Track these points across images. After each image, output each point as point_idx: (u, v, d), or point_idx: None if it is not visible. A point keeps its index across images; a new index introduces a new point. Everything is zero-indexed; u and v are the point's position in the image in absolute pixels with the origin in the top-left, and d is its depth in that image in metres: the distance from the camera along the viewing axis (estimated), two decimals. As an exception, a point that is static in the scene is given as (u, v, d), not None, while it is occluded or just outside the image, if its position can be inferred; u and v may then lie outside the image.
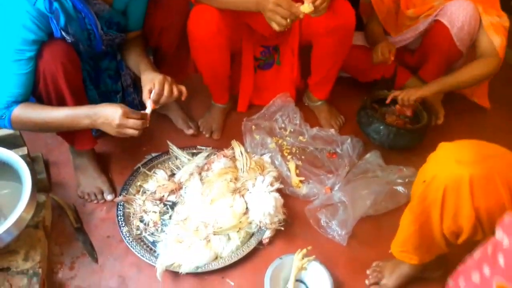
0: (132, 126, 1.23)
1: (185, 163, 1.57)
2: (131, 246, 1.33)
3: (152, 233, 1.38)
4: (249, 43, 1.72)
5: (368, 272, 1.33)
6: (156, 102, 1.28)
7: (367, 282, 1.31)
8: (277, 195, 1.40)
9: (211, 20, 1.47)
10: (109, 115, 1.22)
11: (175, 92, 1.31)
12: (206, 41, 1.51)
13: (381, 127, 1.68)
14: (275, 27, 1.34)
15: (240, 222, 1.36)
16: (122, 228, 1.37)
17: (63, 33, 1.22)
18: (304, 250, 1.23)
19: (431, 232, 1.08)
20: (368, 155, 1.67)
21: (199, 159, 1.56)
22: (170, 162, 1.61)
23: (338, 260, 1.37)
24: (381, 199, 1.49)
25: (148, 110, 1.27)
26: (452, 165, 0.96)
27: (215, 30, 1.48)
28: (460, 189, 0.94)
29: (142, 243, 1.35)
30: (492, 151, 1.00)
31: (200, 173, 1.49)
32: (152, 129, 1.74)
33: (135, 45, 1.49)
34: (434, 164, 1.01)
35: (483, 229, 0.98)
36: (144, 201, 1.45)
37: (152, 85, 1.28)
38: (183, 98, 1.35)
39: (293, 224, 1.46)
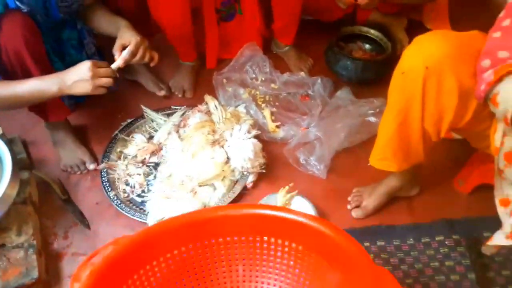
0: (105, 74, 1.23)
1: (162, 124, 1.59)
2: (121, 209, 1.37)
3: (139, 194, 1.42)
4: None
5: (349, 198, 1.40)
6: (126, 61, 1.29)
7: (349, 207, 1.39)
8: (255, 140, 1.44)
9: None
10: (79, 71, 1.22)
11: (147, 57, 1.32)
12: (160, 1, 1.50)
13: (348, 63, 1.72)
14: None
15: (223, 171, 1.40)
16: (109, 193, 1.41)
17: (17, 2, 1.20)
18: (287, 187, 1.28)
19: (410, 131, 1.12)
20: (339, 92, 1.71)
21: (175, 118, 1.58)
22: (146, 126, 1.62)
23: (319, 193, 1.44)
24: (355, 131, 1.54)
25: (115, 64, 1.28)
26: (431, 47, 1.00)
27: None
28: (441, 65, 0.99)
29: (131, 205, 1.40)
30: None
31: (177, 131, 1.52)
32: (125, 95, 1.76)
33: (101, 8, 1.47)
34: (411, 54, 1.05)
35: (466, 109, 1.03)
36: (126, 165, 1.48)
37: (128, 42, 1.28)
38: (152, 64, 1.36)
39: (274, 166, 1.52)
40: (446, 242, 1.31)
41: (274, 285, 0.93)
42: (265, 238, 0.88)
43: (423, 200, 1.42)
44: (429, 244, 1.31)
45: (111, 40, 1.37)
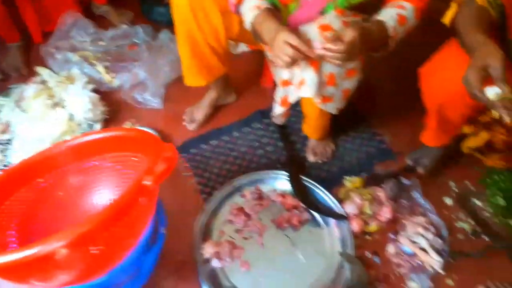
0: None
1: (3, 105, 1.73)
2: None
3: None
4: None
5: (184, 117, 1.73)
6: None
7: (184, 123, 1.72)
8: (90, 93, 1.68)
9: None
10: None
11: None
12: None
13: (161, 9, 2.00)
14: None
15: (70, 126, 1.62)
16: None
17: None
18: None
19: (201, 50, 1.41)
20: (160, 35, 1.97)
21: (14, 96, 1.73)
22: (-11, 111, 1.75)
23: (161, 120, 1.74)
24: (178, 64, 1.82)
25: None
26: None
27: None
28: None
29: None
30: None
31: (19, 106, 1.68)
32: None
33: None
34: None
35: (232, 23, 1.35)
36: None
37: None
38: None
39: (118, 110, 1.77)
40: (260, 126, 1.72)
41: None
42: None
43: (241, 102, 1.81)
44: (248, 132, 1.71)
45: None
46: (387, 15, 1.20)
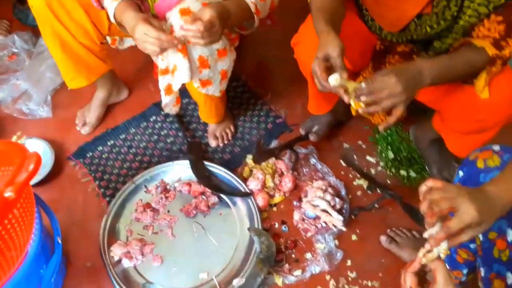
0: None
1: None
2: None
3: None
4: None
5: (76, 121, 1.67)
6: None
7: (77, 128, 1.67)
8: (-33, 112, 1.56)
9: None
10: None
11: None
12: None
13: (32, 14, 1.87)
14: None
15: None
16: None
17: None
18: None
19: (73, 49, 1.37)
20: (40, 39, 1.87)
21: None
22: None
23: (51, 128, 1.68)
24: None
25: None
26: None
27: None
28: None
29: None
30: None
31: None
32: None
33: None
34: None
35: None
36: None
37: None
38: None
39: (3, 126, 1.67)
40: (158, 119, 1.71)
41: None
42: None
43: (135, 98, 1.78)
44: (146, 126, 1.69)
45: None
46: None
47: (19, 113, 1.67)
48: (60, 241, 1.18)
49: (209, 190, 1.50)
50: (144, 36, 1.10)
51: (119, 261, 1.35)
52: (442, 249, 0.79)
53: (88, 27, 1.34)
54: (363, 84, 1.00)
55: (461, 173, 1.04)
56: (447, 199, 0.79)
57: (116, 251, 1.34)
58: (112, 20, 1.23)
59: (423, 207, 0.84)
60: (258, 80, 1.88)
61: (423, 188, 0.84)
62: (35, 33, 1.91)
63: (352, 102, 1.02)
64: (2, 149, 1.02)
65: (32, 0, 1.27)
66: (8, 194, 0.84)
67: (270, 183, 1.53)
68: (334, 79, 1.00)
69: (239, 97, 1.80)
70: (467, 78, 1.16)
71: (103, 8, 1.27)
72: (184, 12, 1.16)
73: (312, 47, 1.23)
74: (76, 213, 1.37)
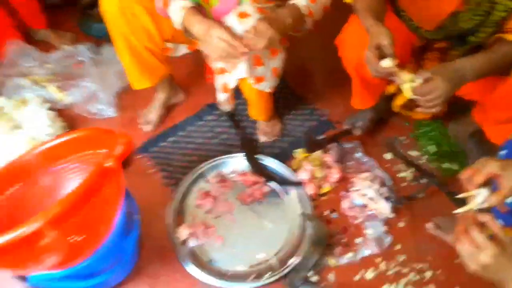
0: None
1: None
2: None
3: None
4: None
5: (138, 120, 1.84)
6: None
7: (139, 126, 1.83)
8: (47, 111, 1.75)
9: None
10: None
11: None
12: None
13: (100, 25, 2.06)
14: None
15: (34, 145, 1.68)
16: None
17: None
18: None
19: (139, 53, 1.52)
20: (102, 49, 2.08)
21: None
22: None
23: (118, 126, 1.84)
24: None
25: None
26: None
27: None
28: (126, 1, 1.40)
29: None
30: None
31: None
32: None
33: None
34: (105, 4, 1.43)
35: (162, 24, 1.48)
36: None
37: None
38: None
39: (76, 125, 1.86)
40: (212, 118, 1.87)
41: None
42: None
43: (190, 100, 1.95)
44: (202, 125, 1.85)
45: None
46: None
47: (88, 113, 1.86)
48: (138, 218, 1.32)
49: (263, 180, 1.63)
50: (216, 39, 1.25)
51: (185, 241, 1.48)
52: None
53: (153, 33, 1.50)
54: (419, 80, 1.14)
55: (503, 152, 1.14)
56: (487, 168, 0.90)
57: (183, 232, 1.48)
58: (177, 27, 1.39)
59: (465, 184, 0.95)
60: (300, 81, 2.02)
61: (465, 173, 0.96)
62: (98, 43, 2.12)
63: (404, 89, 1.15)
64: (96, 135, 1.18)
65: (105, 7, 1.43)
66: (108, 164, 0.99)
67: (318, 174, 1.64)
68: (386, 62, 1.14)
69: (284, 98, 1.94)
70: (504, 70, 1.27)
71: (166, 16, 1.43)
72: (242, 15, 1.31)
73: (356, 45, 1.37)
74: (144, 200, 1.50)
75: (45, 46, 2.13)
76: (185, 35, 1.42)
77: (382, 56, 1.16)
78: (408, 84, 1.16)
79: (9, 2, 1.97)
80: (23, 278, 1.19)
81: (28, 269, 1.10)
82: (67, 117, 1.85)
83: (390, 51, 1.15)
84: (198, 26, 1.32)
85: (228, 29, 1.28)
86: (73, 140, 1.21)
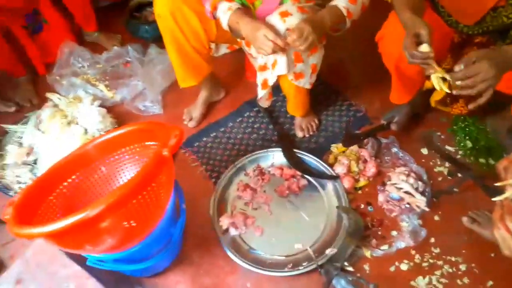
0: None
1: (24, 131, 1.94)
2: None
3: (32, 185, 1.79)
4: (9, 19, 2.00)
5: (184, 117, 1.95)
6: None
7: (184, 122, 1.94)
8: (98, 108, 1.89)
9: None
10: None
11: None
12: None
13: (146, 27, 2.24)
14: None
15: (86, 139, 1.83)
16: (9, 193, 1.75)
17: None
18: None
19: (186, 52, 1.62)
20: (149, 50, 2.19)
21: (31, 121, 1.93)
22: (13, 138, 1.94)
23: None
24: (168, 72, 2.05)
25: None
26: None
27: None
28: (177, 4, 1.50)
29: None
30: None
31: (38, 129, 1.89)
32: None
33: None
34: (157, 2, 1.54)
35: (210, 25, 1.58)
36: (12, 171, 1.82)
37: None
38: None
39: (125, 120, 1.98)
40: (251, 114, 1.95)
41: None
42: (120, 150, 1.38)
43: (230, 97, 2.04)
44: (241, 121, 1.93)
45: None
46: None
47: (137, 110, 1.99)
48: (184, 207, 1.42)
49: (299, 173, 1.70)
50: (264, 39, 1.34)
51: (227, 230, 1.57)
52: None
53: (201, 33, 1.60)
54: (457, 68, 1.13)
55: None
56: None
57: (225, 221, 1.57)
58: (225, 27, 1.48)
59: (502, 173, 0.97)
60: (337, 77, 2.07)
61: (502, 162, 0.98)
62: (144, 44, 2.25)
63: (434, 79, 1.18)
64: (150, 128, 1.29)
65: (158, 10, 1.54)
66: (165, 153, 1.09)
67: (355, 168, 1.69)
68: (424, 47, 1.16)
69: (321, 93, 1.99)
70: None
71: (214, 18, 1.52)
72: (284, 14, 1.39)
73: (396, 40, 1.40)
74: (187, 191, 1.60)
75: (95, 47, 2.28)
76: (232, 34, 1.51)
77: (419, 43, 1.19)
78: (440, 74, 1.17)
79: (66, 7, 2.12)
80: (80, 260, 1.32)
81: (87, 250, 1.22)
82: (116, 114, 1.99)
83: (428, 40, 1.17)
84: (245, 26, 1.41)
85: (272, 28, 1.37)
86: (129, 133, 1.32)
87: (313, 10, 1.49)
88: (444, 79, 1.19)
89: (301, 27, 1.34)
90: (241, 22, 1.42)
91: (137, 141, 1.37)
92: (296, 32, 1.33)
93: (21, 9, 2.02)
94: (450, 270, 1.45)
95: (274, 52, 1.38)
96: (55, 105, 1.94)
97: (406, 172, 1.64)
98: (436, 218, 1.58)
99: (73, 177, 1.35)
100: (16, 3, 1.90)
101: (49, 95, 1.97)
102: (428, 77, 1.61)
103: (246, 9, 1.51)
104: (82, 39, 2.33)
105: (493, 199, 1.04)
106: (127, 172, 1.41)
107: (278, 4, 1.48)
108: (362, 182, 1.69)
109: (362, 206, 1.64)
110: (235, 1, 1.48)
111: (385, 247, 1.52)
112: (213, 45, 1.75)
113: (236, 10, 1.44)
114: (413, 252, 1.50)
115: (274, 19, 1.41)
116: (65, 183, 1.32)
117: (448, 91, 1.19)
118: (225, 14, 1.46)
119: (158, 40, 2.17)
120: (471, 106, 1.19)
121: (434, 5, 1.44)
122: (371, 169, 1.69)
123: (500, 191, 1.06)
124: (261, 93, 1.60)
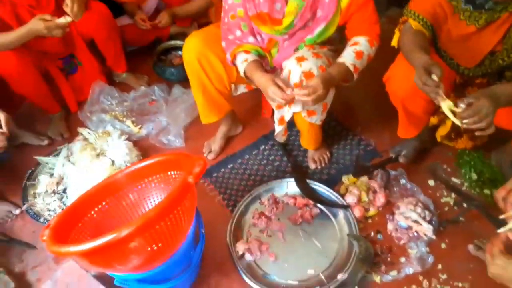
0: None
1: (55, 163, 2.10)
2: (53, 226, 1.86)
3: (62, 212, 1.92)
4: (48, 62, 2.22)
5: (204, 150, 2.09)
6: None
7: (204, 155, 2.07)
8: (125, 141, 2.05)
9: (8, 62, 1.90)
10: None
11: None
12: (16, 79, 1.96)
13: (172, 70, 2.43)
14: None
15: (113, 170, 1.97)
16: (39, 220, 1.88)
17: None
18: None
19: (210, 93, 1.78)
20: (173, 90, 2.38)
21: (63, 153, 2.10)
22: (45, 169, 2.11)
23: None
24: (191, 110, 2.22)
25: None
26: (192, 43, 1.69)
27: (17, 70, 1.92)
28: (203, 50, 1.67)
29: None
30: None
31: (68, 160, 2.04)
32: (19, 156, 2.19)
33: None
34: (186, 51, 1.71)
35: (231, 69, 1.73)
36: (43, 199, 1.97)
37: None
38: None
39: (149, 153, 2.13)
40: (266, 147, 2.08)
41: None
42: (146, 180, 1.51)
43: (247, 132, 2.18)
44: (257, 153, 2.06)
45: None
46: (346, 56, 1.58)
47: (160, 143, 2.14)
48: (203, 232, 1.53)
49: (312, 202, 1.79)
50: (273, 94, 1.51)
51: (242, 255, 1.66)
52: None
53: (223, 77, 1.76)
54: (462, 105, 1.26)
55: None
56: None
57: (240, 247, 1.66)
58: (242, 75, 1.66)
59: (501, 203, 1.06)
60: (348, 115, 2.20)
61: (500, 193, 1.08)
62: (169, 84, 2.43)
63: (444, 107, 1.28)
64: (176, 159, 1.43)
65: (186, 56, 1.72)
66: (190, 180, 1.21)
67: (365, 198, 1.79)
68: (435, 75, 1.28)
69: (332, 129, 2.12)
70: None
71: (234, 65, 1.69)
72: (300, 59, 1.54)
73: (402, 80, 1.54)
74: (206, 218, 1.71)
75: (124, 87, 2.48)
76: (247, 81, 1.68)
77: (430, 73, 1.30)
78: (450, 104, 1.28)
79: (99, 50, 2.34)
80: (105, 281, 1.42)
81: (115, 268, 1.32)
82: (141, 147, 2.14)
83: (439, 74, 1.27)
84: (257, 80, 1.58)
85: (280, 83, 1.51)
86: (157, 163, 1.46)
87: (326, 55, 1.63)
88: (452, 112, 1.30)
89: (315, 85, 1.46)
90: (254, 76, 1.59)
91: (163, 170, 1.50)
92: (310, 89, 1.46)
93: (60, 53, 2.24)
94: (457, 295, 1.50)
95: (286, 102, 1.52)
96: (85, 139, 2.11)
97: (414, 202, 1.72)
98: (443, 245, 1.65)
99: (103, 203, 1.48)
100: (58, 48, 2.13)
101: (80, 129, 2.15)
102: (433, 114, 1.74)
103: (261, 60, 1.67)
104: (112, 80, 2.53)
105: (498, 230, 1.12)
106: (153, 199, 1.53)
107: (293, 51, 1.63)
108: (372, 211, 1.78)
109: (372, 234, 1.72)
110: (252, 52, 1.64)
111: (394, 272, 1.58)
112: (232, 85, 1.91)
113: (250, 63, 1.60)
114: (420, 277, 1.56)
115: (291, 63, 1.56)
116: (96, 209, 1.45)
117: (457, 121, 1.29)
118: (242, 64, 1.63)
119: (182, 81, 2.38)
120: (478, 133, 1.29)
121: (437, 50, 1.58)
122: (380, 199, 1.78)
123: (505, 222, 1.15)
124: (278, 128, 1.73)
